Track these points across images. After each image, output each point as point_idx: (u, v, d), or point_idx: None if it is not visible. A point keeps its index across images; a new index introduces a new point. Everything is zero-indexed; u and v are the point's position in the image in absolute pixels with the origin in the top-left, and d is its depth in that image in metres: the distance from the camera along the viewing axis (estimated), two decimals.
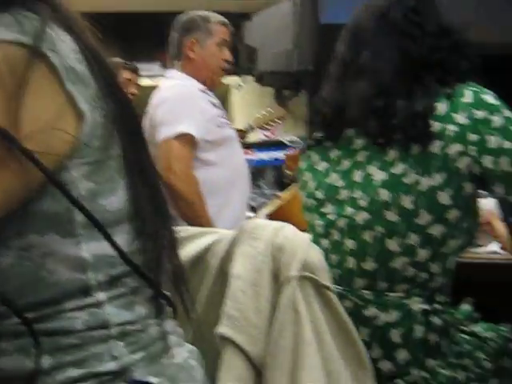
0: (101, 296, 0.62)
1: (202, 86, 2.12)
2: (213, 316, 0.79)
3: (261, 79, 3.91)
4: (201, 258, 0.87)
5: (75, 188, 0.59)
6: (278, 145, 3.56)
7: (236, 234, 0.82)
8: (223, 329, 0.74)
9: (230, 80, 4.03)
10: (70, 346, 0.60)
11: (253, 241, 0.78)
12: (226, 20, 2.23)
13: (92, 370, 0.60)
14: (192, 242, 0.90)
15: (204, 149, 2.00)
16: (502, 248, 1.42)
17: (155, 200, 0.69)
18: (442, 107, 1.06)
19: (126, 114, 0.66)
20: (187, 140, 1.94)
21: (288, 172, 2.43)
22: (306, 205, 1.22)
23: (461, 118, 1.04)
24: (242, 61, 3.99)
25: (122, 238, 0.63)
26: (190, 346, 0.71)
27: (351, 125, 1.15)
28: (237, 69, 3.72)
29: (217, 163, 2.04)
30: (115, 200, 0.63)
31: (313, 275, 0.74)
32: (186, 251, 0.88)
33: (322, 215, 1.16)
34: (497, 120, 1.04)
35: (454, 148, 1.04)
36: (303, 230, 0.94)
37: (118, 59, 3.04)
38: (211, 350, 0.75)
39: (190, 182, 1.93)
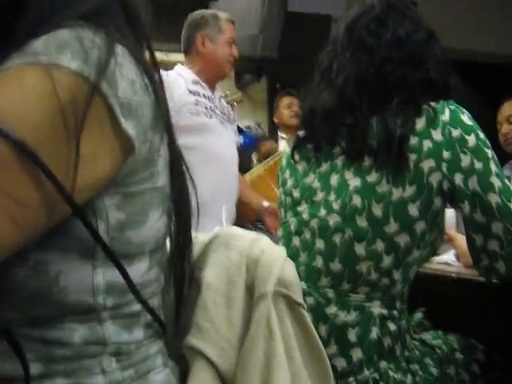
0: (104, 315, 0.62)
1: (196, 78, 2.25)
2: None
3: None
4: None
5: (105, 216, 0.59)
6: None
7: (209, 241, 0.81)
8: (193, 340, 0.72)
9: None
10: (63, 358, 0.60)
11: (227, 251, 0.77)
12: (232, 18, 2.38)
13: (80, 381, 0.60)
14: None
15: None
16: (456, 257, 1.46)
17: (184, 231, 0.71)
18: (421, 122, 1.08)
19: (173, 146, 0.68)
20: None
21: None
22: (283, 202, 1.25)
23: (437, 134, 1.06)
24: None
25: (139, 268, 0.64)
26: (171, 363, 0.72)
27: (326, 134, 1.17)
28: None
29: (186, 148, 2.04)
30: (141, 233, 0.63)
31: (287, 291, 0.73)
32: None
33: (297, 214, 1.19)
34: (471, 140, 1.06)
35: (428, 163, 1.05)
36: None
37: None
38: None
39: None
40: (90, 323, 0.61)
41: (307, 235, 1.15)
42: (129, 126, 0.58)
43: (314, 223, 1.14)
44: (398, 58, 1.13)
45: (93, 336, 0.61)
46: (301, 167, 1.23)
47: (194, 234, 0.76)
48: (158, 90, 0.64)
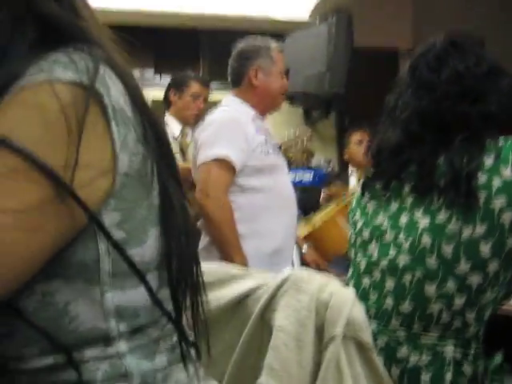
0: (122, 346, 0.61)
1: (254, 113, 2.12)
2: (250, 361, 0.80)
3: (291, 100, 3.92)
4: (241, 303, 0.89)
5: (105, 236, 0.58)
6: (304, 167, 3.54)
7: (280, 284, 0.83)
8: (266, 379, 0.75)
9: None
10: None
11: (298, 293, 0.79)
12: (282, 48, 2.26)
13: None
14: (230, 286, 0.91)
15: (246, 174, 1.99)
16: None
17: (187, 247, 0.68)
18: (489, 159, 1.07)
19: (165, 160, 0.66)
20: (226, 164, 1.92)
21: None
22: (353, 241, 1.26)
23: (507, 171, 1.05)
24: None
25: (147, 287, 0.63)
26: None
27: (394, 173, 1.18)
28: None
29: (258, 190, 2.01)
30: (142, 251, 0.62)
31: (357, 334, 0.74)
32: (225, 293, 0.89)
33: (366, 254, 1.19)
34: None
35: (499, 201, 1.04)
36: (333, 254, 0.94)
37: (189, 72, 2.99)
38: None
39: (222, 207, 1.91)
40: (110, 360, 0.60)
41: (377, 275, 1.15)
42: (117, 133, 0.58)
43: (384, 263, 1.14)
44: (456, 94, 1.14)
45: (115, 372, 0.60)
46: (371, 207, 1.24)
47: (266, 277, 0.78)
48: (146, 113, 0.64)
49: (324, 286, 0.79)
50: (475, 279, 1.05)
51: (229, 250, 1.88)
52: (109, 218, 0.59)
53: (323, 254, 2.44)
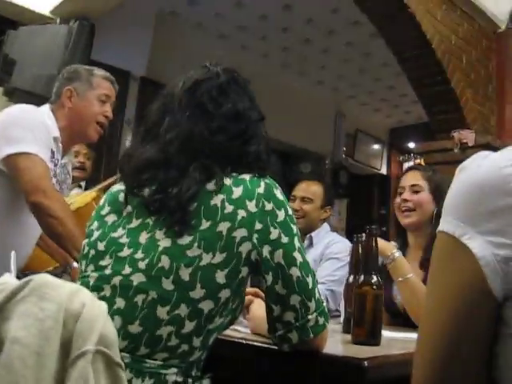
0: None
1: (58, 135, 2.05)
2: None
3: (11, 95, 3.58)
4: None
5: None
6: None
7: (17, 288, 0.72)
8: None
9: None
10: None
11: (41, 301, 0.69)
12: (112, 77, 2.20)
13: None
14: None
15: None
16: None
17: None
18: (237, 191, 1.12)
19: None
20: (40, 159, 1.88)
21: None
22: (85, 253, 1.17)
23: (252, 205, 1.11)
24: None
25: None
26: None
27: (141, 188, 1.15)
28: None
29: None
30: None
31: (108, 351, 0.68)
32: None
33: (99, 268, 1.12)
34: (281, 215, 1.13)
35: (241, 232, 1.09)
36: None
37: None
38: None
39: (58, 199, 1.88)
40: None
41: (107, 292, 1.08)
42: None
43: (117, 280, 1.08)
44: (232, 131, 1.18)
45: None
46: (110, 219, 1.18)
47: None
48: None
49: (73, 296, 0.71)
50: (207, 306, 1.08)
51: (74, 243, 1.81)
52: None
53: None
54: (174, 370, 1.07)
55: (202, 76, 1.24)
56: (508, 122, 4.72)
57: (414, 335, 1.40)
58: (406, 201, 2.22)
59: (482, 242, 0.63)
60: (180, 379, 1.07)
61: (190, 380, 1.09)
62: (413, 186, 2.24)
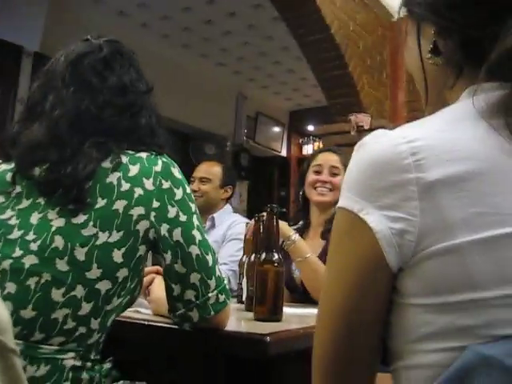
0: None
1: None
2: None
3: None
4: None
5: None
6: None
7: None
8: None
9: None
10: None
11: None
12: None
13: None
14: None
15: None
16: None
17: None
18: (133, 169, 1.09)
19: None
20: None
21: None
22: None
23: (149, 184, 1.09)
24: None
25: None
26: None
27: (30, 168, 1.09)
28: None
29: None
30: None
31: (2, 337, 0.64)
32: None
33: None
34: (179, 193, 1.12)
35: (138, 210, 1.07)
36: None
37: None
38: None
39: None
40: None
41: None
42: None
43: (7, 263, 1.02)
44: (119, 104, 1.14)
45: None
46: None
47: None
48: None
49: None
50: (104, 286, 1.05)
51: None
52: None
53: None
54: (72, 354, 1.03)
55: (84, 49, 1.18)
56: (400, 106, 4.97)
57: (313, 310, 1.46)
58: (325, 182, 2.29)
59: (379, 216, 0.65)
60: (78, 363, 1.04)
61: (88, 364, 1.06)
62: (333, 167, 2.32)
